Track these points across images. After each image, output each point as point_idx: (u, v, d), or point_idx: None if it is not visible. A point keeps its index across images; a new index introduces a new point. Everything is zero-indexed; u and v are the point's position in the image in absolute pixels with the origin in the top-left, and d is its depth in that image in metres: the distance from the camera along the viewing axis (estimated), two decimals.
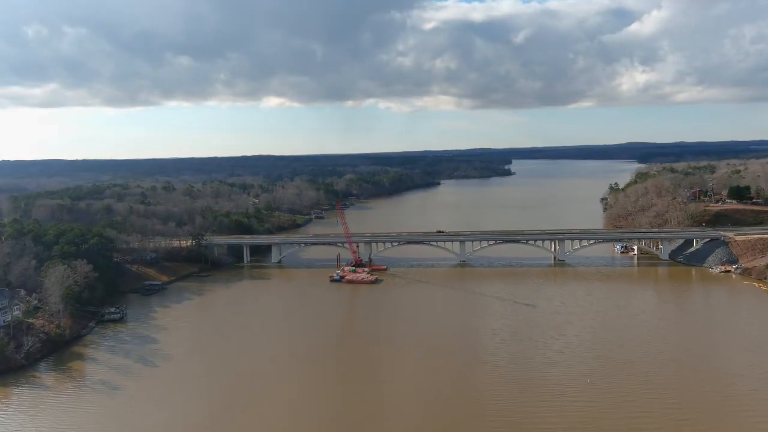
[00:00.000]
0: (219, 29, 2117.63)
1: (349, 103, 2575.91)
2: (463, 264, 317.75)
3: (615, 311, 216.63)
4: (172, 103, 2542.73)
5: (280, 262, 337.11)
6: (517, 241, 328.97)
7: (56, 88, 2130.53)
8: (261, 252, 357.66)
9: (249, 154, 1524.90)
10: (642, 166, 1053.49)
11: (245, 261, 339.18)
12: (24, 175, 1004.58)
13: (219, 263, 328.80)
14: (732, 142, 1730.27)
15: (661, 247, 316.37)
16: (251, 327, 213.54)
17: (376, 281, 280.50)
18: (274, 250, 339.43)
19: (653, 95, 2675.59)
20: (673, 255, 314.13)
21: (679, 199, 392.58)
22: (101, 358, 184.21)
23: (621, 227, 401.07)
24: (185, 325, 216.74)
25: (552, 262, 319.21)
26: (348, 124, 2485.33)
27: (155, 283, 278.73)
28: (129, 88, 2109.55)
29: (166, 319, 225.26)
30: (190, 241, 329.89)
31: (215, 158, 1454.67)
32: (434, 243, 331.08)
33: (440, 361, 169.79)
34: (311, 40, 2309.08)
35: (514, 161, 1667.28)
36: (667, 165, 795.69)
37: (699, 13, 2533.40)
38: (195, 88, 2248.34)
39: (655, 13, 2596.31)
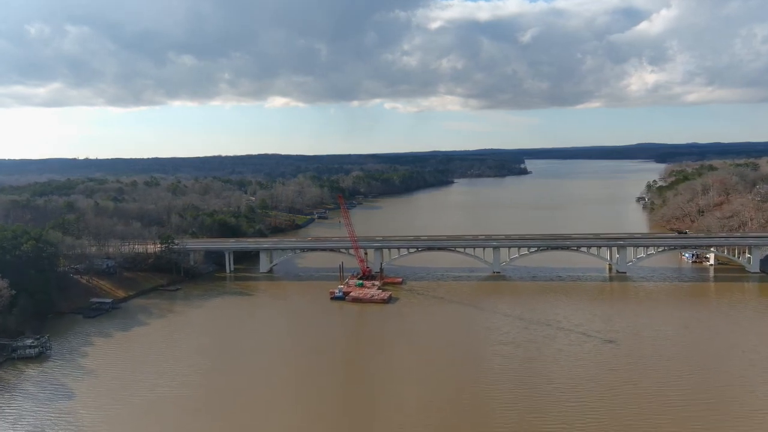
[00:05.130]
0: (222, 28, 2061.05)
1: (355, 103, 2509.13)
2: (497, 276, 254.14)
3: (748, 361, 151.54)
4: (177, 103, 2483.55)
5: (270, 271, 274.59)
6: (566, 248, 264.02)
7: (60, 87, 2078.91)
8: (250, 259, 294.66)
9: (254, 153, 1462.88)
10: (667, 165, 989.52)
11: (227, 270, 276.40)
12: (16, 173, 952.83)
13: (195, 273, 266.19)
14: (748, 143, 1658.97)
15: (748, 255, 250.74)
16: (209, 378, 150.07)
17: (388, 299, 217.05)
18: (262, 257, 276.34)
19: (663, 95, 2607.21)
20: (764, 266, 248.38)
21: (752, 197, 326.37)
22: None
23: (676, 230, 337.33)
24: (123, 368, 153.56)
25: (607, 274, 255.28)
26: (353, 124, 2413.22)
27: (104, 301, 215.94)
28: (133, 87, 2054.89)
29: (101, 356, 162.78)
30: (159, 245, 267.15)
31: (217, 157, 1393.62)
32: (460, 250, 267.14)
33: None
34: (315, 39, 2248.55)
35: (526, 161, 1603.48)
36: (705, 163, 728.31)
37: (709, 12, 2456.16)
38: (199, 87, 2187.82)
39: (664, 12, 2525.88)
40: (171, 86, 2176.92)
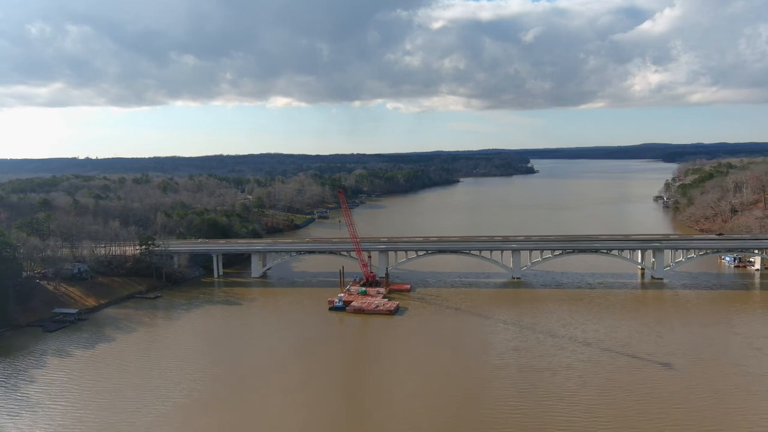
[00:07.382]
0: (223, 28, 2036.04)
1: (357, 103, 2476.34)
2: (517, 282, 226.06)
3: None
4: (179, 103, 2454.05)
5: (263, 276, 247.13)
6: (595, 251, 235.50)
7: (62, 87, 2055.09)
8: (241, 262, 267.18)
9: (255, 152, 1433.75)
10: (679, 165, 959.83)
11: (216, 275, 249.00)
12: (12, 173, 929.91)
13: (178, 278, 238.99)
14: (755, 143, 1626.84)
15: None
16: (180, 415, 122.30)
17: (395, 310, 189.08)
18: (254, 260, 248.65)
19: (666, 96, 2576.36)
20: None
21: None
22: None
23: (707, 231, 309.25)
24: (76, 399, 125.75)
25: (639, 280, 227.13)
26: (355, 124, 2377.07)
27: (69, 311, 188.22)
28: (135, 87, 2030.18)
29: (52, 382, 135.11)
30: (138, 247, 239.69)
31: (218, 156, 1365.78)
32: (476, 253, 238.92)
33: None
34: (317, 39, 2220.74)
35: (531, 160, 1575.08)
36: (722, 161, 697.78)
37: (713, 12, 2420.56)
38: (201, 87, 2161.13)
39: (667, 11, 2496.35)
40: (173, 86, 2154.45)
